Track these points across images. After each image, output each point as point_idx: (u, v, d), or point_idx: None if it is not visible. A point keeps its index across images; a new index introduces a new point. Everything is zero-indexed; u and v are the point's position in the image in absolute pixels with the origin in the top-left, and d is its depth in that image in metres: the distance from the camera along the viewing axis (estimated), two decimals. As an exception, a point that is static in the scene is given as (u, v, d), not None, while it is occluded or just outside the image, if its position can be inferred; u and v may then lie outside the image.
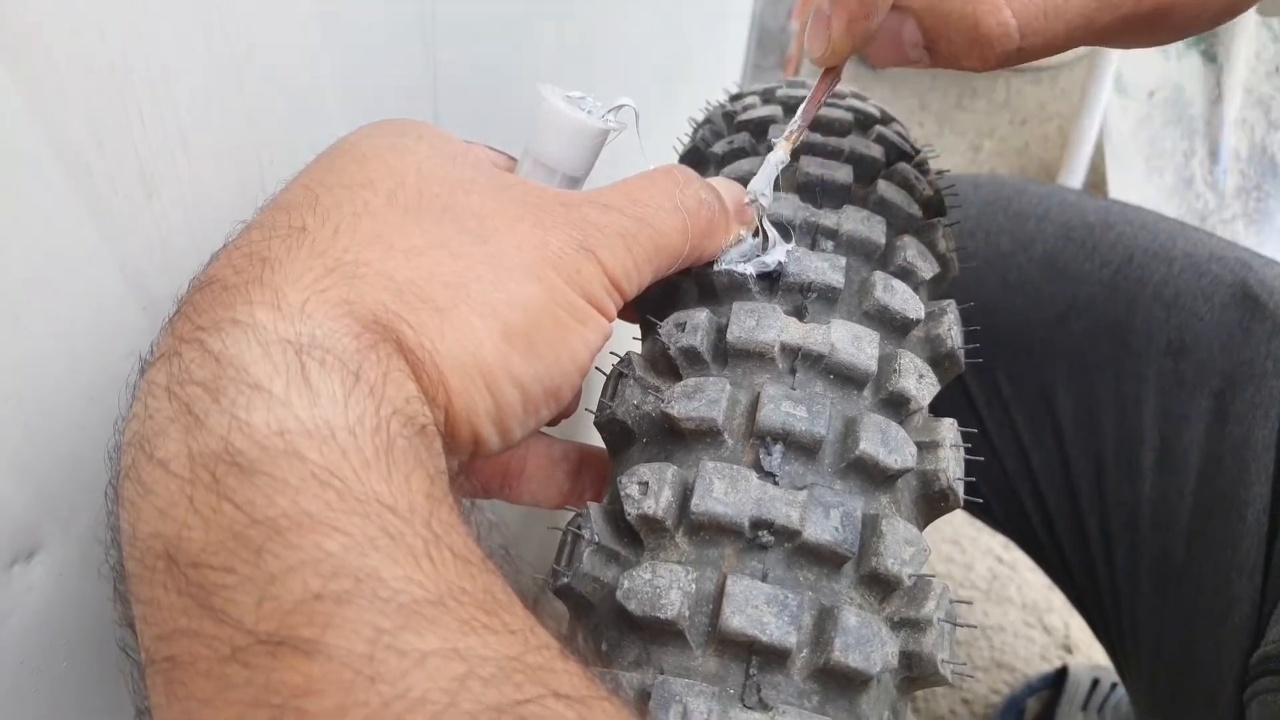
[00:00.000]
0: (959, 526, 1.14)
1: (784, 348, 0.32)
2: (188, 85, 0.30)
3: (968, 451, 0.33)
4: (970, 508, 0.70)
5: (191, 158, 0.31)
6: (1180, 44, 1.25)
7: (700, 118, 0.48)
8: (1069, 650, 1.05)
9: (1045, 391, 0.62)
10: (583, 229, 0.29)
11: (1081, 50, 1.16)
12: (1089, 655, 1.03)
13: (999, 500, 0.66)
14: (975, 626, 0.98)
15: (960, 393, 0.65)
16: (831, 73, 0.34)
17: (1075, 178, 1.38)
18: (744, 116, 0.43)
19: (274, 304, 0.24)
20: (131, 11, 0.27)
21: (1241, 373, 0.53)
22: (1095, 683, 0.93)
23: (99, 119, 0.27)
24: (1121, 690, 0.91)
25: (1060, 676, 0.96)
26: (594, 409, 0.34)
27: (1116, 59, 1.27)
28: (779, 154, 0.35)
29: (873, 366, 0.32)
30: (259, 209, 0.29)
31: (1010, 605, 1.08)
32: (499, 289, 0.27)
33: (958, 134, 1.70)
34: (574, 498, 0.38)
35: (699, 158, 0.44)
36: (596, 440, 0.37)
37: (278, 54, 0.33)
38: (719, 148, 0.41)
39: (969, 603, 0.46)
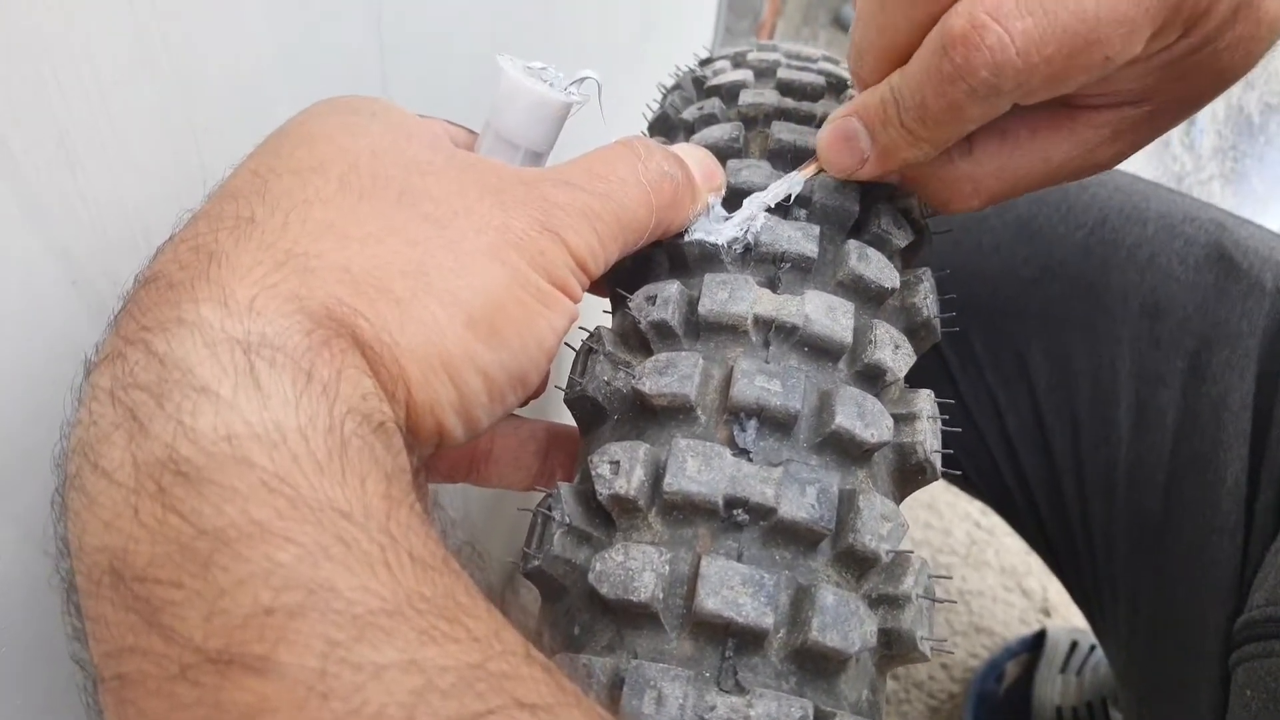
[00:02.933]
0: (936, 493, 1.14)
1: (757, 320, 0.31)
2: (111, 53, 0.28)
3: (945, 423, 0.33)
4: (947, 474, 0.70)
5: (116, 128, 0.29)
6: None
7: (669, 84, 0.47)
8: (1047, 614, 1.05)
9: (1020, 354, 0.61)
10: (545, 209, 0.28)
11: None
12: (1067, 618, 1.04)
13: (974, 465, 0.65)
14: (954, 601, 0.98)
15: (934, 357, 0.65)
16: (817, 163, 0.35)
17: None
18: (714, 81, 0.41)
19: (221, 301, 0.23)
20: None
21: (1217, 333, 0.53)
22: (1074, 645, 0.94)
23: (11, 91, 0.26)
24: (1100, 652, 0.91)
25: (1039, 640, 0.96)
26: (564, 386, 0.33)
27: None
28: (753, 208, 0.34)
29: (848, 338, 0.31)
30: (207, 195, 0.27)
31: (988, 570, 1.08)
32: (460, 275, 0.26)
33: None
34: (544, 478, 0.37)
35: (668, 125, 0.43)
36: (566, 419, 0.36)
37: (209, 21, 0.32)
38: (689, 114, 0.40)
39: (949, 577, 0.46)
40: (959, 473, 0.65)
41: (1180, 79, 0.30)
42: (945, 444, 0.32)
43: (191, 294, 0.23)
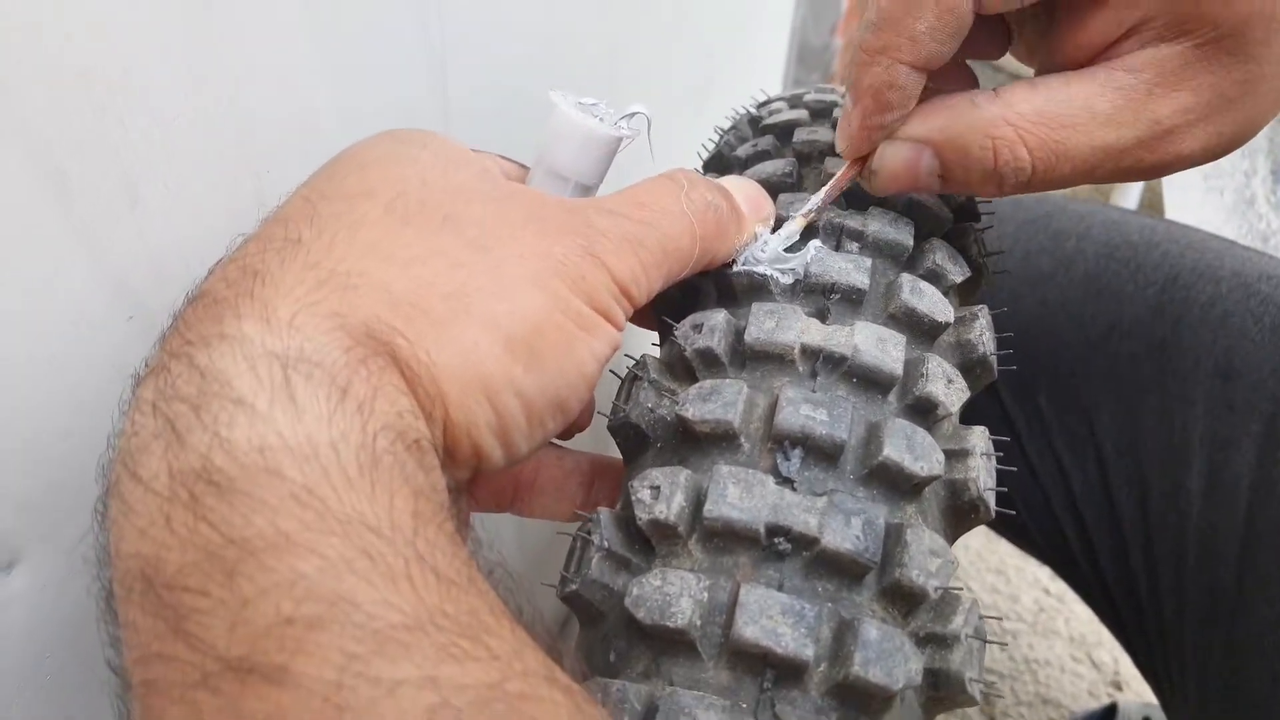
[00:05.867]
0: (1004, 556, 1.11)
1: (804, 350, 0.30)
2: (172, 93, 0.29)
3: (1001, 462, 0.32)
4: (1011, 535, 0.68)
5: (176, 166, 0.30)
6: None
7: (726, 125, 0.48)
8: (1119, 687, 1.00)
9: (1087, 415, 0.59)
10: (588, 235, 0.28)
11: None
12: (1139, 693, 0.99)
13: (1040, 527, 0.63)
14: (1005, 644, 0.94)
15: (1000, 416, 0.63)
16: (858, 163, 0.34)
17: (1129, 198, 1.34)
18: (769, 120, 0.42)
19: (263, 317, 0.24)
20: (100, 15, 0.26)
21: None
22: (1146, 721, 0.89)
23: (73, 125, 0.27)
24: (1174, 730, 0.87)
25: (1109, 714, 0.92)
26: (608, 414, 0.33)
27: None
28: (793, 227, 0.34)
29: (898, 370, 0.30)
30: (260, 221, 0.28)
31: (1057, 638, 1.04)
32: (501, 299, 0.26)
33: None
34: (588, 510, 0.37)
35: (723, 163, 0.43)
36: (613, 451, 0.35)
37: (267, 67, 0.33)
38: (742, 151, 0.40)
39: (1004, 644, 0.44)
40: (1020, 525, 0.63)
41: None
42: (1001, 486, 0.31)
43: (235, 310, 0.24)
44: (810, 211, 0.34)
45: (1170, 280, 0.58)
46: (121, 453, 0.23)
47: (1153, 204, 1.34)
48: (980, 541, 1.12)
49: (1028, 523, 0.64)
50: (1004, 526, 0.67)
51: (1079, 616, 1.05)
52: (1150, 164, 0.31)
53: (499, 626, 0.21)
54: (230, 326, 0.23)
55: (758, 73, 0.96)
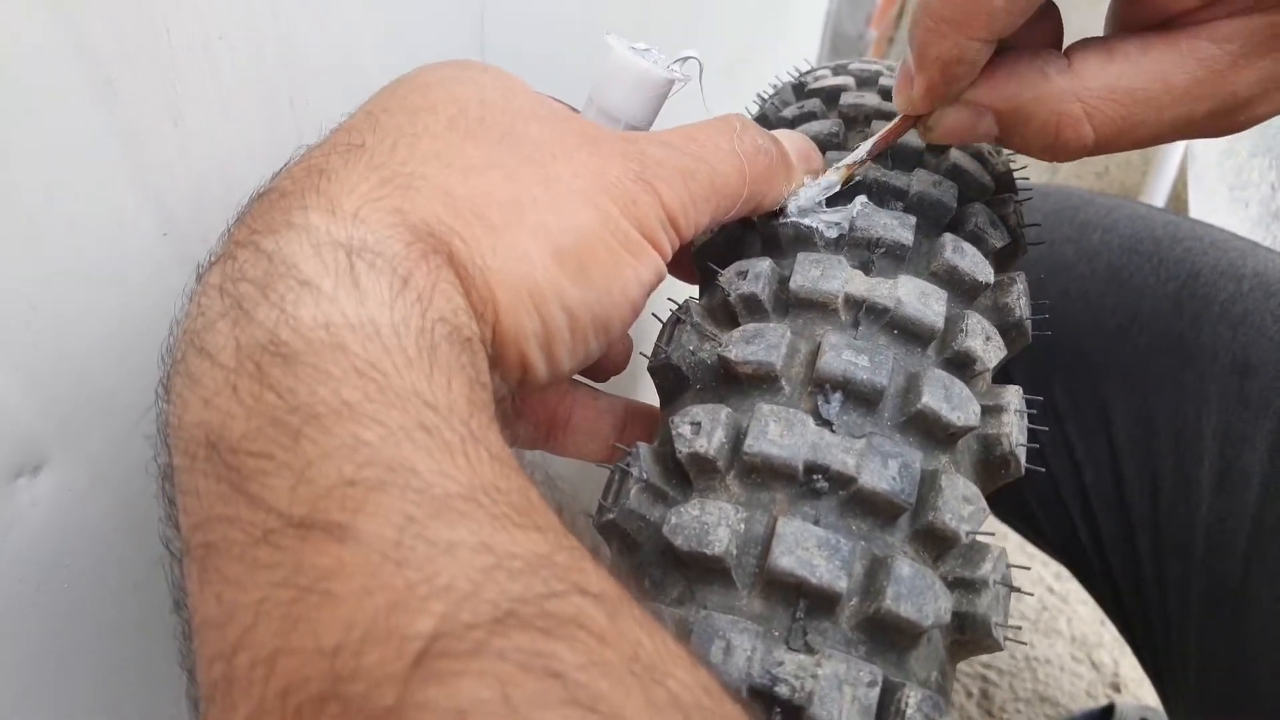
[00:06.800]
0: (1010, 554, 1.11)
1: (848, 299, 0.31)
2: (219, 10, 0.30)
3: (1031, 419, 0.32)
4: (1019, 525, 0.68)
5: (220, 85, 0.31)
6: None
7: (769, 93, 0.48)
8: (1117, 689, 1.01)
9: (1101, 405, 0.60)
10: (641, 161, 0.29)
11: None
12: (1137, 695, 0.99)
13: (1049, 517, 0.64)
14: (1022, 637, 0.95)
15: None
16: (910, 119, 0.34)
17: (1156, 203, 1.34)
18: (815, 85, 0.42)
19: (329, 209, 0.25)
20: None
21: None
22: (1143, 723, 0.90)
23: (122, 30, 0.27)
24: (1171, 733, 0.87)
25: (1106, 714, 0.92)
26: (649, 355, 0.34)
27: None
28: (834, 178, 0.34)
29: (939, 323, 0.31)
30: (299, 148, 0.29)
31: (1059, 638, 1.04)
32: (553, 212, 0.27)
33: (1034, 155, 1.66)
34: (620, 453, 0.38)
35: (767, 124, 0.43)
36: (645, 399, 0.36)
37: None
38: (789, 113, 0.41)
39: (1030, 593, 0.44)
40: (1030, 515, 0.63)
41: None
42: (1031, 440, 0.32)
43: (301, 202, 0.25)
44: (855, 163, 0.34)
45: (1192, 276, 0.58)
46: (187, 332, 0.24)
47: (1178, 210, 1.34)
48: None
49: (1036, 510, 0.64)
50: (1012, 515, 0.67)
51: (1081, 617, 1.06)
52: (1218, 130, 0.31)
53: (545, 508, 0.22)
54: (297, 216, 0.24)
55: (791, 60, 0.96)
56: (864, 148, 0.34)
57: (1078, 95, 0.30)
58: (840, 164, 0.34)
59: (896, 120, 0.34)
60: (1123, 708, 0.92)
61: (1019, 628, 0.28)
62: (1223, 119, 0.30)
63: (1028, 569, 0.33)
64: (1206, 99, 0.29)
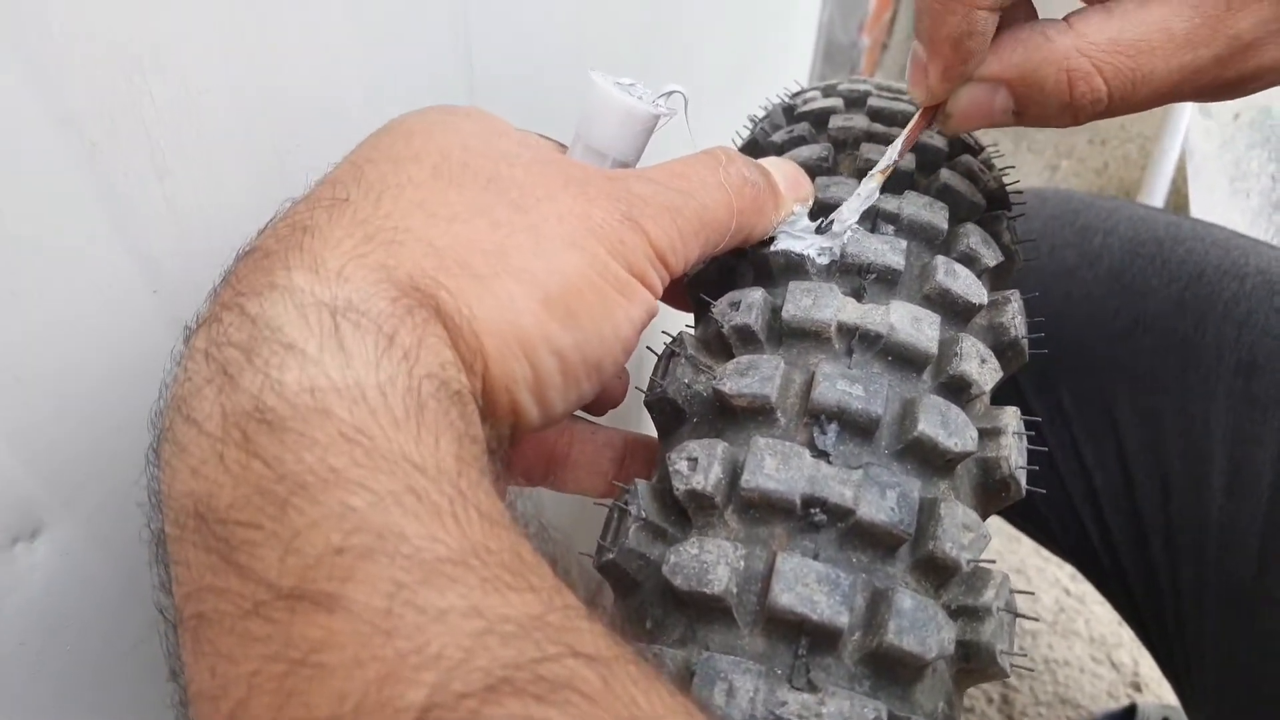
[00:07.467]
0: (1025, 556, 1.11)
1: (841, 327, 0.31)
2: (201, 66, 0.30)
3: (1030, 440, 0.32)
4: (1031, 530, 0.68)
5: (204, 140, 0.31)
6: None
7: (759, 116, 0.48)
8: (1138, 689, 1.00)
9: (1108, 409, 0.60)
10: (627, 201, 0.29)
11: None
12: (1158, 694, 0.98)
13: (1060, 521, 0.63)
14: (1032, 669, 0.94)
15: (1021, 409, 0.63)
16: (930, 110, 0.34)
17: (1156, 199, 1.34)
18: (804, 108, 0.42)
19: (312, 268, 0.25)
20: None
21: None
22: (1165, 722, 0.89)
23: (104, 96, 0.27)
24: (1194, 732, 0.86)
25: (1128, 715, 0.91)
26: (645, 389, 0.34)
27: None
28: (871, 185, 0.34)
29: (933, 348, 0.31)
30: (283, 202, 0.29)
31: (1077, 639, 1.04)
32: (539, 257, 0.27)
33: (1035, 152, 1.66)
34: (618, 491, 0.37)
35: (758, 150, 0.43)
36: (644, 430, 0.36)
37: (295, 45, 0.33)
38: (778, 137, 0.41)
39: (1035, 618, 0.44)
40: (1042, 521, 0.63)
41: None
42: (1029, 478, 0.32)
43: (285, 262, 0.25)
44: (887, 168, 0.34)
45: (1195, 277, 0.58)
46: (174, 399, 0.24)
47: (1179, 207, 1.33)
48: (1001, 542, 1.12)
49: (1048, 516, 0.64)
50: (1024, 520, 0.67)
51: (1099, 617, 1.05)
52: (1229, 80, 0.31)
53: (538, 565, 0.22)
54: (280, 277, 0.24)
55: (784, 70, 0.96)
56: (892, 150, 0.35)
57: (1083, 51, 0.31)
58: (874, 170, 0.35)
59: (917, 116, 0.34)
60: (1145, 708, 0.92)
61: (1024, 654, 0.28)
62: (1232, 64, 0.30)
63: (1031, 594, 0.32)
64: (1208, 43, 0.30)
